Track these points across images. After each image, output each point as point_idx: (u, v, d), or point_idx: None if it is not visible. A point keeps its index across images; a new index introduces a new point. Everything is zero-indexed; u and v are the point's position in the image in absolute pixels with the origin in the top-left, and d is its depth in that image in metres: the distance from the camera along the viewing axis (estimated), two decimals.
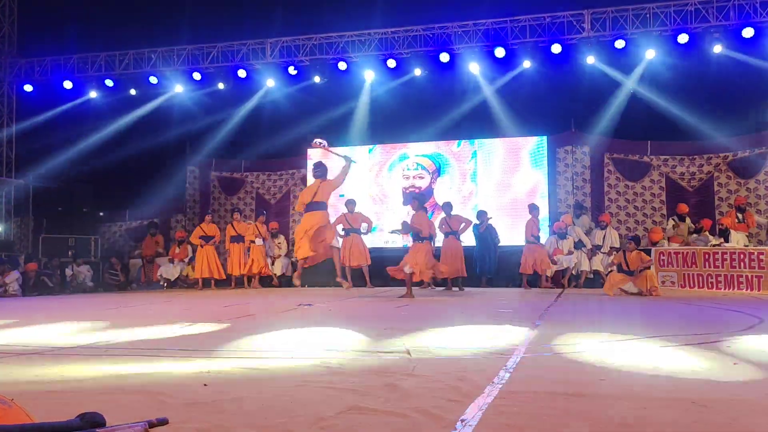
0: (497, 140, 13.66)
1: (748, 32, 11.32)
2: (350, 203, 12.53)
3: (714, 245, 10.79)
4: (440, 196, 13.52)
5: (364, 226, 12.47)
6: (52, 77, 14.29)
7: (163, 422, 2.32)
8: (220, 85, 14.18)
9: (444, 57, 12.80)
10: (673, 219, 12.19)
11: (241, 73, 13.68)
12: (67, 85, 14.26)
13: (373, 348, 4.40)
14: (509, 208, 13.31)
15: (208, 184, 15.69)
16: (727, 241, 10.95)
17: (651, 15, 11.81)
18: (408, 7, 13.49)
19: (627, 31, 11.93)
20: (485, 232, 12.34)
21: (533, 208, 11.80)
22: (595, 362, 3.75)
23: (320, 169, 9.02)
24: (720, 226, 11.32)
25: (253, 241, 12.97)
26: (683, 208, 12.23)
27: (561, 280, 11.92)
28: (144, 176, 14.61)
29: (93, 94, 14.60)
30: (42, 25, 14.86)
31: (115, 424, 2.15)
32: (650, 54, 12.10)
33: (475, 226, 12.57)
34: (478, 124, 13.79)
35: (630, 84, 12.69)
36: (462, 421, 2.41)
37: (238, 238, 13.11)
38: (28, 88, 14.46)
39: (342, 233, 12.35)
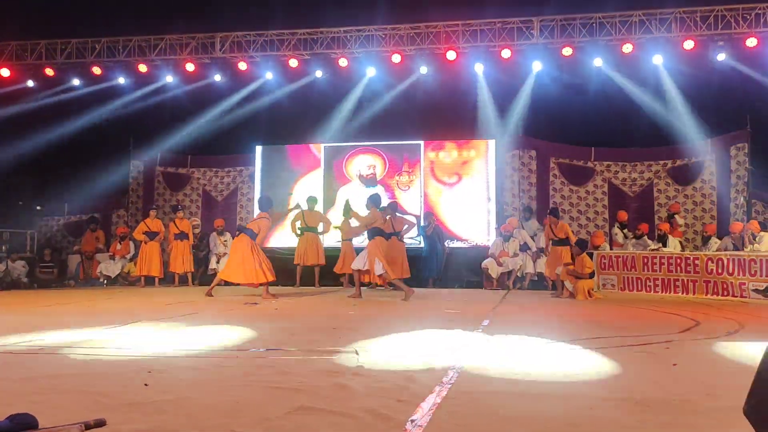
0: (445, 142, 13.75)
1: (688, 44, 11.72)
2: (310, 201, 12.41)
3: (653, 250, 11.13)
4: (386, 198, 13.54)
5: (321, 225, 12.37)
6: None
7: (100, 423, 2.22)
8: (168, 78, 13.84)
9: (395, 58, 12.79)
10: (616, 226, 12.47)
11: (190, 67, 13.38)
12: (5, 72, 13.66)
13: (320, 347, 4.34)
14: (456, 210, 13.41)
15: (152, 179, 15.26)
16: (665, 246, 11.31)
17: (597, 24, 12.10)
18: (360, 7, 13.41)
19: (574, 39, 12.19)
20: (432, 234, 12.42)
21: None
22: (541, 362, 3.80)
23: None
24: (659, 232, 11.68)
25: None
26: (623, 215, 12.55)
27: (506, 281, 12.09)
28: (85, 169, 14.09)
29: (32, 83, 14.02)
30: None
31: (49, 426, 2.04)
32: (596, 62, 12.40)
33: (422, 227, 12.63)
34: (426, 125, 13.84)
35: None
36: (412, 421, 2.39)
37: (182, 236, 12.81)
38: None
39: (298, 232, 12.23)
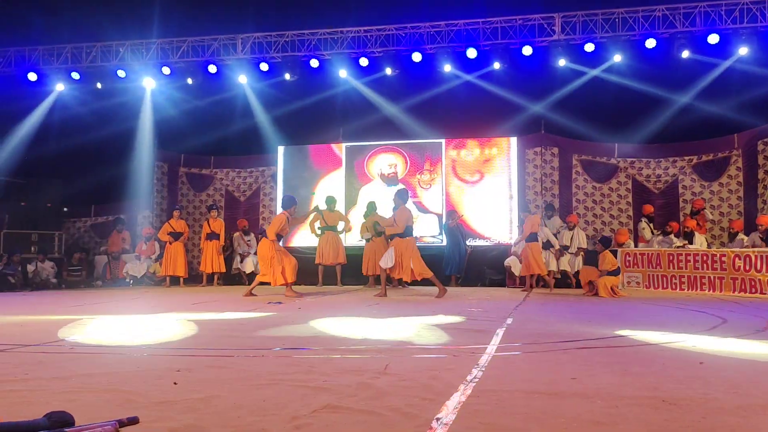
0: (467, 140, 13.73)
1: (713, 38, 11.56)
2: (330, 201, 12.49)
3: (678, 247, 11.00)
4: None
5: (341, 224, 12.43)
6: (16, 69, 13.92)
7: (133, 421, 2.28)
8: (189, 80, 14.00)
9: (416, 57, 12.81)
10: (643, 221, 12.33)
11: (212, 69, 13.51)
12: (32, 77, 13.90)
13: (343, 346, 4.38)
14: (478, 208, 13.38)
15: (176, 180, 15.45)
16: (691, 243, 11.18)
17: (620, 20, 11.99)
18: (380, 7, 13.47)
19: (596, 35, 12.10)
20: (455, 231, 12.39)
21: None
22: (564, 361, 3.80)
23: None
24: (685, 229, 11.53)
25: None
26: (649, 208, 12.43)
27: (529, 279, 12.01)
28: (110, 171, 14.34)
29: (59, 87, 14.28)
30: (5, 16, 14.45)
31: (84, 424, 2.10)
32: (618, 58, 12.29)
33: (445, 224, 12.63)
34: (448, 123, 13.84)
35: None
36: (437, 419, 2.41)
37: (213, 236, 12.92)
38: None
39: (318, 231, 12.31)
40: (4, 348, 4.31)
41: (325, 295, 9.91)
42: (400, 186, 12.12)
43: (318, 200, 13.53)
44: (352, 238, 13.30)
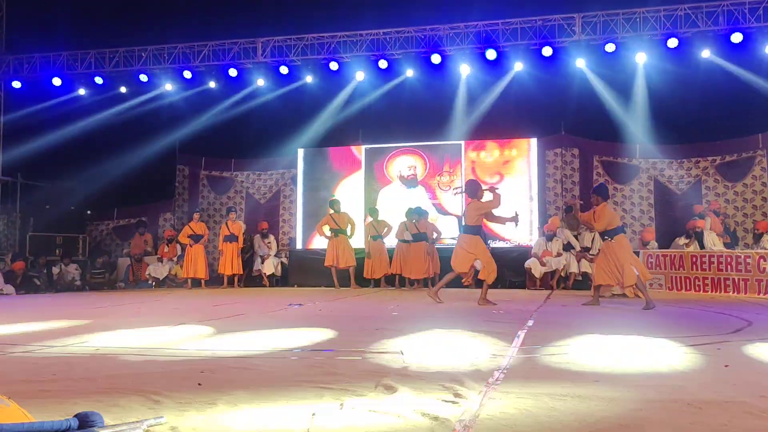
0: (486, 142, 13.68)
1: (736, 37, 11.42)
2: (335, 203, 12.55)
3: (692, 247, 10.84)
4: (426, 198, 13.69)
5: (350, 227, 12.49)
6: (41, 74, 14.15)
7: (160, 422, 2.31)
8: (211, 84, 14.14)
9: (435, 58, 12.81)
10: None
11: (232, 72, 13.63)
12: (56, 82, 14.12)
13: (364, 348, 4.39)
14: (498, 210, 13.27)
15: (197, 182, 15.59)
16: (701, 243, 10.97)
17: (641, 19, 11.88)
18: (399, 9, 13.48)
19: (617, 35, 12.00)
20: None
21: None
22: (587, 363, 3.77)
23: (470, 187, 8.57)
24: (696, 229, 11.31)
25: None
26: (699, 208, 12.17)
27: (550, 281, 11.95)
28: (133, 174, 14.50)
29: (82, 92, 14.49)
30: (31, 22, 14.72)
31: (113, 424, 2.14)
32: (641, 58, 12.19)
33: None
34: (467, 125, 13.80)
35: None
36: (460, 421, 2.41)
37: (232, 238, 13.01)
38: (16, 84, 14.29)
39: (329, 234, 12.36)
40: (32, 349, 4.38)
41: (344, 298, 9.93)
42: (415, 192, 12.30)
43: (338, 202, 13.56)
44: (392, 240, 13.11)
